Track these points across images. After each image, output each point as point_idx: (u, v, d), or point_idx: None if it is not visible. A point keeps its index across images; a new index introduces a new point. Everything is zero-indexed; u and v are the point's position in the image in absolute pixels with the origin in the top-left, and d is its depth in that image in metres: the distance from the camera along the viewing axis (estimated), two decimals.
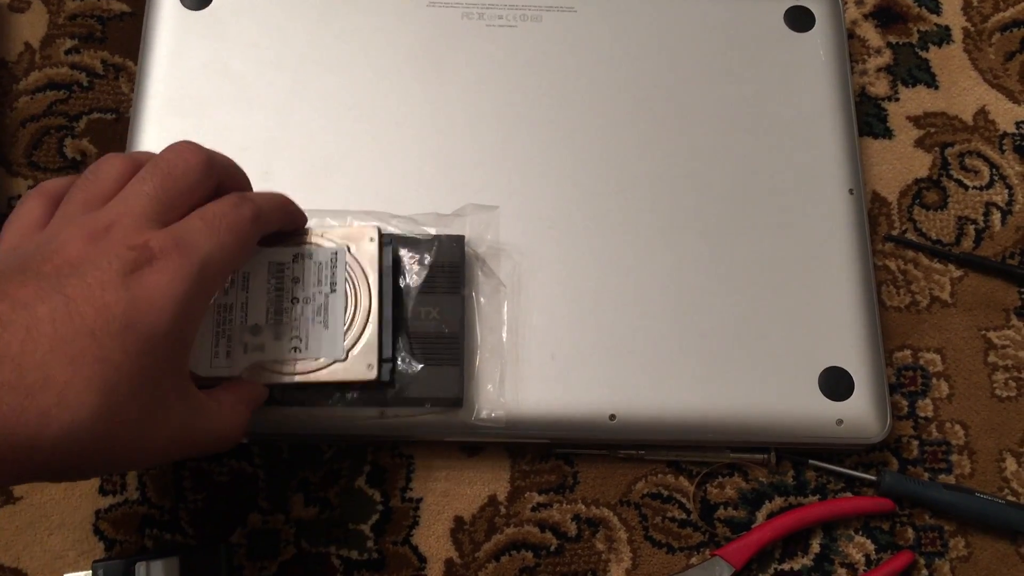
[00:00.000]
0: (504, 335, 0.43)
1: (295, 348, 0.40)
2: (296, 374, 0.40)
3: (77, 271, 0.31)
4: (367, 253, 0.41)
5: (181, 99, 0.48)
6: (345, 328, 0.40)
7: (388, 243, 0.42)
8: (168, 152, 0.35)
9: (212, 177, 0.35)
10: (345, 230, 0.42)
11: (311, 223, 0.42)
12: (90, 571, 0.41)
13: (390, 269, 0.42)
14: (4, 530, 0.43)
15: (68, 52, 0.52)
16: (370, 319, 0.40)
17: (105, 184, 0.34)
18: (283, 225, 0.40)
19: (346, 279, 0.41)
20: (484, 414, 0.42)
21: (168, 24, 0.49)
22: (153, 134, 0.47)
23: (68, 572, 0.42)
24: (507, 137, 0.48)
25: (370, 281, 0.41)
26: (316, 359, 0.40)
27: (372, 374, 0.40)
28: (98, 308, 0.30)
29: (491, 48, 0.49)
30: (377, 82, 0.48)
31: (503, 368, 0.43)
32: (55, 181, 0.36)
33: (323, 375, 0.40)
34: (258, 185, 0.46)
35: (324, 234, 0.42)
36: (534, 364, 0.43)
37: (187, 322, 0.32)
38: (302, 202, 0.45)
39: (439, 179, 0.47)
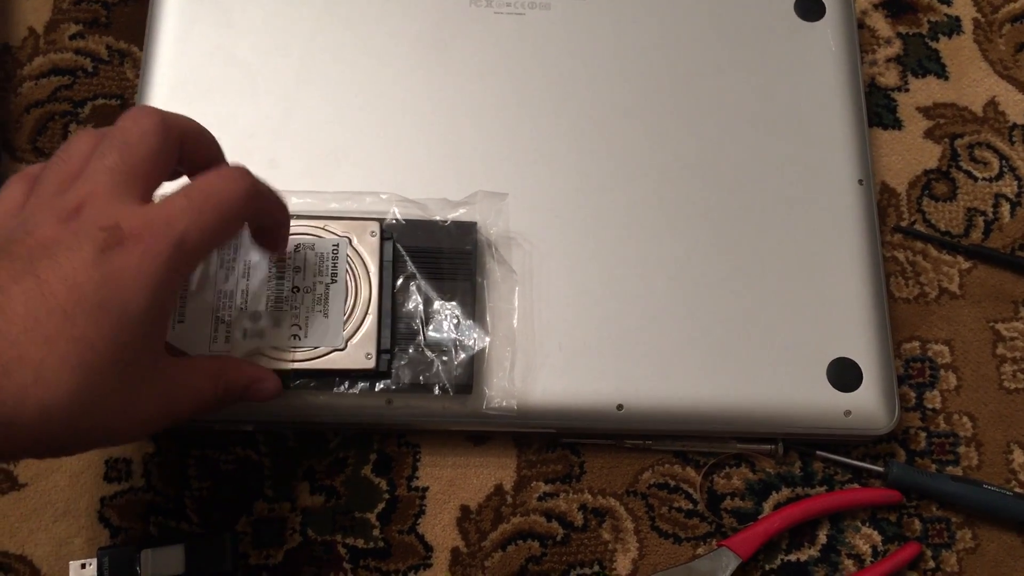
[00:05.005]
0: (515, 322, 0.43)
1: (295, 336, 0.40)
2: (294, 361, 0.40)
3: (49, 253, 0.31)
4: (368, 246, 0.42)
5: (186, 86, 0.47)
6: (345, 318, 0.41)
7: (389, 237, 0.42)
8: (122, 120, 0.34)
9: (171, 139, 0.34)
10: (347, 223, 0.42)
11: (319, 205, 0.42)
12: (95, 558, 0.41)
13: (391, 263, 0.42)
14: (9, 517, 0.43)
15: (73, 37, 0.52)
16: (370, 310, 0.41)
17: (75, 163, 0.34)
18: (276, 217, 0.39)
19: (347, 270, 0.41)
20: (495, 402, 0.42)
21: (174, 10, 0.48)
22: None
23: (73, 559, 0.42)
24: (514, 125, 0.47)
25: (371, 273, 0.41)
26: (315, 347, 0.40)
27: (370, 364, 0.40)
28: (70, 288, 0.30)
29: (499, 36, 0.49)
30: (385, 69, 0.48)
31: (513, 356, 0.42)
32: (38, 165, 0.35)
33: (321, 363, 0.40)
34: (264, 174, 0.46)
35: (326, 226, 0.42)
36: (542, 353, 0.43)
37: (162, 300, 0.32)
38: (309, 189, 0.45)
39: (447, 167, 0.46)
